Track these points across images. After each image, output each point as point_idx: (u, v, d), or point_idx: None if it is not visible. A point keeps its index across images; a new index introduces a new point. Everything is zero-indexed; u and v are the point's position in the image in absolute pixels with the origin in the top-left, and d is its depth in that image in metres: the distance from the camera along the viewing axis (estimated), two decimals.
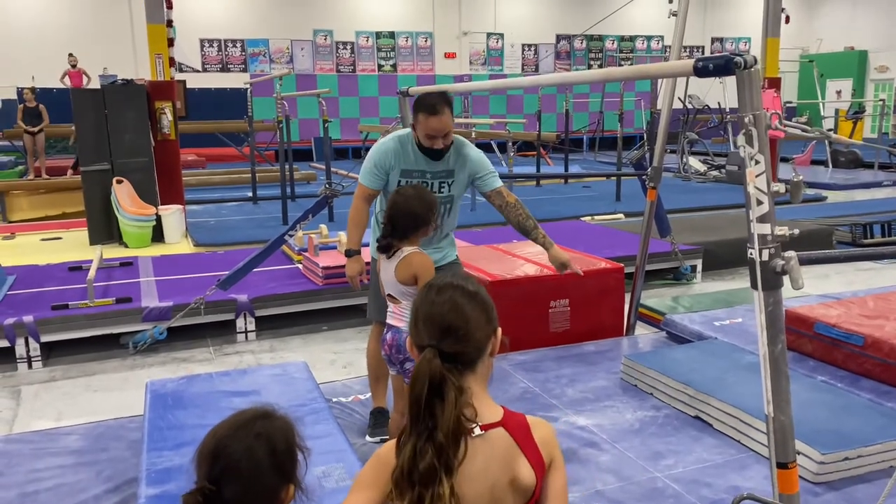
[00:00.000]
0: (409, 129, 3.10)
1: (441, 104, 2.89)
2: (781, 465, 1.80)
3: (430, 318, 1.33)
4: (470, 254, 5.13)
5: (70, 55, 14.31)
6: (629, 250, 5.82)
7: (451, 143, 3.01)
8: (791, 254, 1.68)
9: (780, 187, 1.69)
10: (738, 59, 1.66)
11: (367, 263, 3.21)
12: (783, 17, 10.63)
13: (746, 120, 1.66)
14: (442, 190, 3.07)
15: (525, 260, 4.80)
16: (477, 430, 1.27)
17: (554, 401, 3.48)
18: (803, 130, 10.38)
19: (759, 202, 1.68)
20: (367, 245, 3.24)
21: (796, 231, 1.69)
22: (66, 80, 14.31)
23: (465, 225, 7.65)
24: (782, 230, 1.69)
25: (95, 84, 13.32)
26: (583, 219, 8.42)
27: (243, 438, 1.25)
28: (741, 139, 1.68)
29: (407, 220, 2.63)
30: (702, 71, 1.76)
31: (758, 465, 2.87)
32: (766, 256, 1.68)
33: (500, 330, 1.38)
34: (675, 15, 4.30)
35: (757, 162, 1.66)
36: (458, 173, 3.09)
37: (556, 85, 13.74)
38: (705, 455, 2.96)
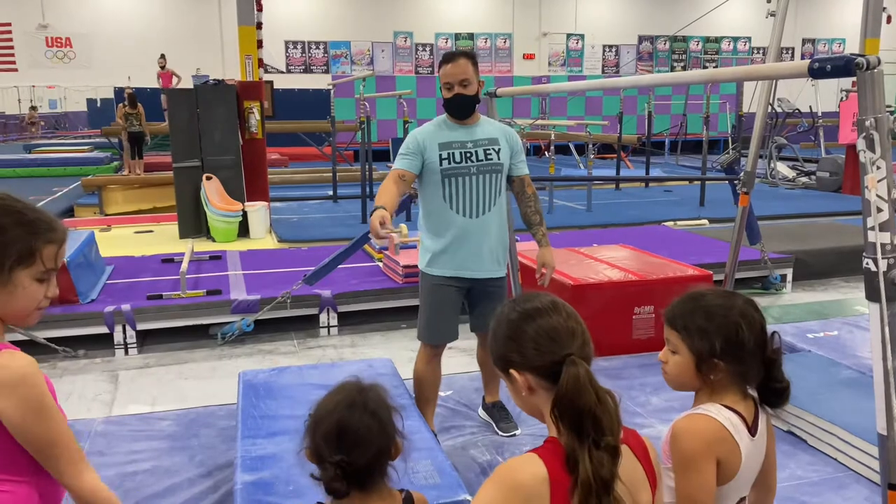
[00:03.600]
0: (442, 116, 3.07)
1: (458, 54, 2.94)
2: (894, 487, 1.71)
3: (553, 331, 1.26)
4: None
5: (161, 57, 14.96)
6: (716, 257, 5.66)
7: (476, 94, 2.94)
8: None
9: None
10: (859, 59, 1.58)
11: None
12: (884, 17, 10.11)
13: (868, 123, 1.59)
14: (489, 157, 2.97)
15: (608, 264, 4.72)
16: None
17: (638, 409, 3.41)
18: None
19: (879, 210, 1.59)
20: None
21: None
22: (159, 80, 14.98)
23: None
24: None
25: (183, 84, 13.93)
26: (665, 224, 8.22)
27: (359, 415, 1.42)
28: (861, 143, 1.60)
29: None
30: (818, 72, 1.69)
31: (857, 486, 2.74)
32: (885, 267, 1.60)
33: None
34: (772, 15, 4.15)
35: (878, 167, 1.58)
36: (502, 141, 3.02)
37: (660, 86, 13.46)
38: (800, 472, 2.85)
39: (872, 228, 1.62)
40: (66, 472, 1.33)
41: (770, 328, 1.49)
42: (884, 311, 1.60)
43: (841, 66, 1.62)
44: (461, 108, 2.95)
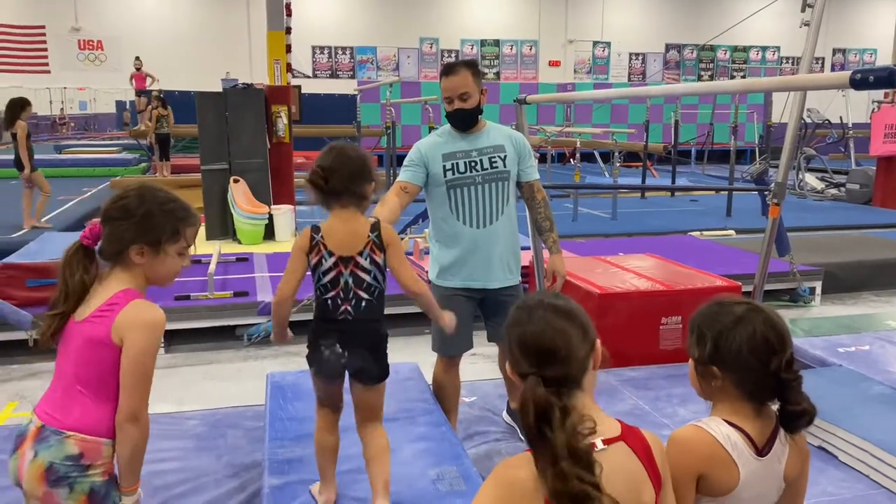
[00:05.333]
0: (448, 124, 3.03)
1: (458, 65, 2.89)
2: None
3: (526, 344, 1.27)
4: (577, 265, 5.06)
5: (136, 59, 15.15)
6: (743, 268, 5.60)
7: (477, 106, 2.89)
8: None
9: None
10: None
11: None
12: None
13: None
14: (495, 165, 2.93)
15: (635, 273, 4.69)
16: (600, 444, 1.25)
17: (666, 420, 3.37)
18: None
19: None
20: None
21: None
22: (133, 82, 15.19)
23: (568, 236, 7.57)
24: None
25: (158, 87, 14.14)
26: (691, 234, 8.16)
27: (344, 154, 2.19)
28: None
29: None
30: (860, 83, 1.66)
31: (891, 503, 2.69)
32: None
33: (598, 342, 1.32)
34: (806, 25, 4.10)
35: None
36: (508, 147, 2.97)
37: (695, 94, 13.33)
38: (831, 489, 2.80)
39: None
40: (134, 400, 1.67)
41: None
42: None
43: (884, 78, 1.60)
44: (463, 121, 2.91)
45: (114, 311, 1.65)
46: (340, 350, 2.16)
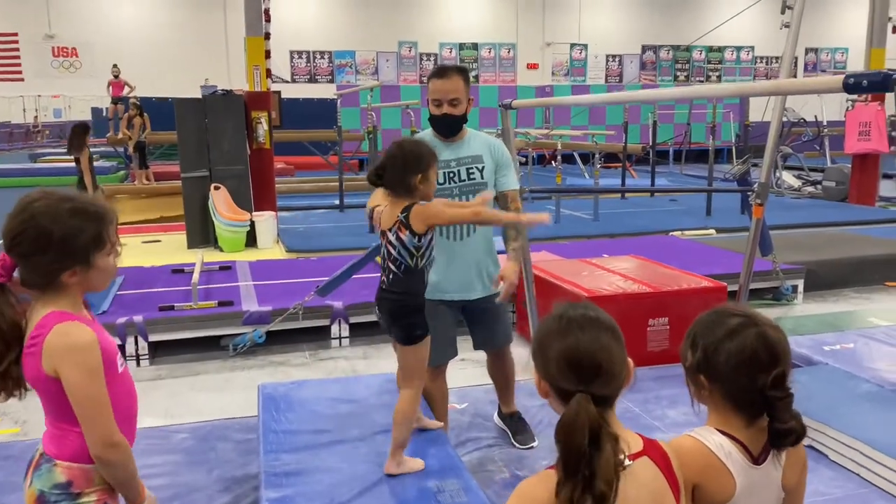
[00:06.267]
0: (430, 129, 3.01)
1: (451, 70, 2.88)
2: None
3: (575, 359, 1.25)
4: (562, 268, 5.07)
5: (114, 66, 15.03)
6: (726, 268, 5.64)
7: (464, 114, 2.89)
8: None
9: None
10: None
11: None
12: (889, 26, 10.14)
13: None
14: (472, 176, 2.92)
15: (621, 275, 4.71)
16: (626, 462, 1.24)
17: (656, 422, 3.38)
18: None
19: None
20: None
21: None
22: (110, 88, 15.07)
23: (550, 237, 7.58)
24: None
25: (137, 94, 14.01)
26: (673, 233, 8.21)
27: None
28: None
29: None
30: (853, 87, 1.68)
31: (881, 502, 2.71)
32: None
33: (630, 360, 1.31)
34: (786, 26, 4.15)
35: None
36: (486, 158, 2.96)
37: (674, 99, 13.38)
38: (822, 488, 2.82)
39: None
40: (96, 431, 1.55)
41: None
42: None
43: (878, 82, 1.61)
44: (449, 127, 2.90)
45: (38, 343, 1.53)
46: (378, 312, 2.49)
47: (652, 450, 1.31)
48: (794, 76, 21.55)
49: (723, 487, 1.40)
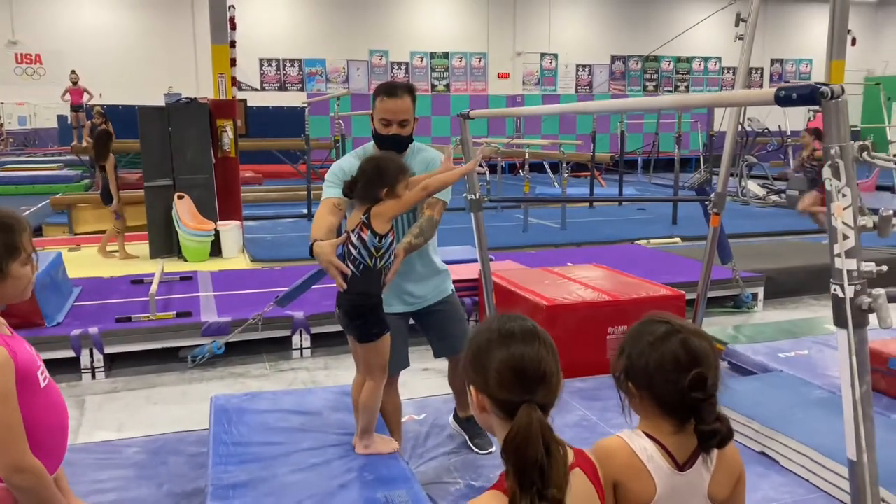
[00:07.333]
0: (371, 143, 2.96)
1: (401, 89, 2.81)
2: None
3: (520, 367, 1.26)
4: (525, 277, 5.09)
5: (72, 73, 14.82)
6: (688, 276, 5.70)
7: (410, 134, 2.86)
8: (879, 291, 1.60)
9: (868, 221, 1.62)
10: (824, 88, 1.60)
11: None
12: (849, 39, 10.35)
13: (833, 152, 1.60)
14: None
15: (582, 284, 4.73)
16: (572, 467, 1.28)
17: (613, 430, 3.37)
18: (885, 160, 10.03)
19: (846, 237, 1.61)
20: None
21: (884, 268, 1.62)
22: (67, 96, 14.86)
23: (518, 246, 7.61)
24: (869, 266, 1.62)
25: (95, 101, 13.83)
26: (638, 242, 8.29)
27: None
28: (827, 171, 1.61)
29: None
30: (784, 100, 1.70)
31: None
32: (851, 293, 1.61)
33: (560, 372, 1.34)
34: (741, 39, 4.22)
35: (844, 195, 1.60)
36: (419, 174, 2.87)
37: (629, 110, 13.54)
38: (772, 493, 2.85)
39: (839, 255, 1.63)
40: (4, 457, 1.49)
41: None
42: (851, 337, 1.61)
43: (806, 95, 1.64)
44: (396, 147, 2.83)
45: None
46: (336, 312, 2.59)
47: (582, 461, 1.34)
48: (761, 86, 21.94)
49: (643, 489, 1.43)
